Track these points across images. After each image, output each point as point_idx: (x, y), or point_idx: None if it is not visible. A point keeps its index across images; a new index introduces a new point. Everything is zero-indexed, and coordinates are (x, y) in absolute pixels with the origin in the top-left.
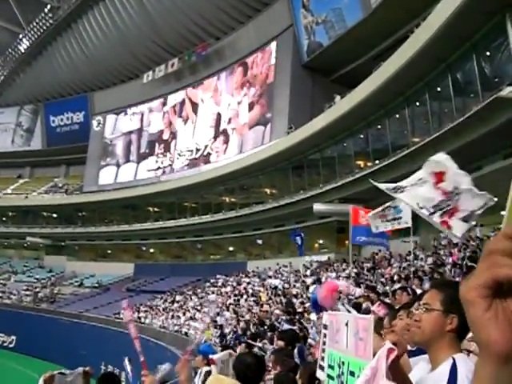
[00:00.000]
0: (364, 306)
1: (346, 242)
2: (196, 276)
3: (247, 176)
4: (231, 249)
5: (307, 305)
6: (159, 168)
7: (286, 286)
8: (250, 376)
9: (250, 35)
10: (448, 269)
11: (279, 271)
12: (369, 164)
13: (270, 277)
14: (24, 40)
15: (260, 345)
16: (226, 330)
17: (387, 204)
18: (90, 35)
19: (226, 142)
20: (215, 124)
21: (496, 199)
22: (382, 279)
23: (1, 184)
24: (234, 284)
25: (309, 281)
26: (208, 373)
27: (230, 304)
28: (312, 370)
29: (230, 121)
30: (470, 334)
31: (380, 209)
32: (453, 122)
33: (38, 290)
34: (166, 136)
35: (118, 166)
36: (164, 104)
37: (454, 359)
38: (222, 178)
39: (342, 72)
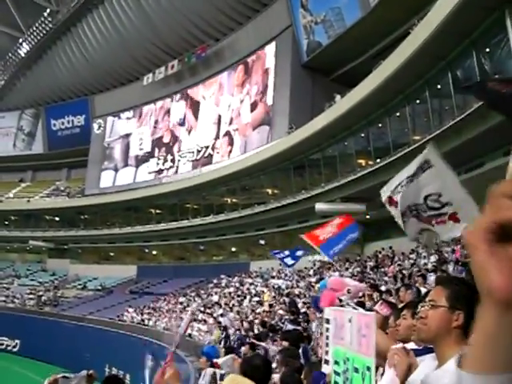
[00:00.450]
0: (367, 304)
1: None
2: (199, 277)
3: (249, 176)
4: (234, 249)
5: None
6: (161, 170)
7: (289, 284)
8: (258, 378)
9: (249, 36)
10: (451, 266)
11: (282, 271)
12: (370, 163)
13: (273, 277)
14: (24, 44)
15: (264, 345)
16: (230, 331)
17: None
18: (89, 38)
19: (231, 144)
20: (217, 125)
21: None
22: (386, 277)
23: (3, 188)
24: (237, 285)
25: (312, 280)
26: (213, 374)
27: (234, 305)
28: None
29: (231, 121)
30: None
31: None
32: (453, 120)
33: (41, 293)
34: (166, 139)
35: (116, 170)
36: (166, 110)
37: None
38: (223, 178)
39: (342, 71)
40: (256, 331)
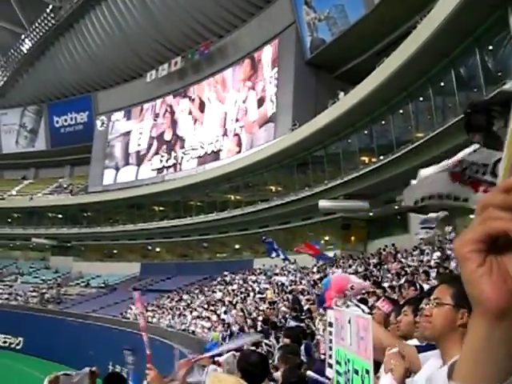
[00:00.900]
0: (370, 301)
1: (352, 238)
2: (202, 274)
3: (252, 174)
4: (237, 247)
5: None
6: (164, 167)
7: (293, 280)
8: (255, 374)
9: (253, 33)
10: (454, 263)
11: (285, 268)
12: (373, 160)
13: (277, 274)
14: (26, 41)
15: (267, 341)
16: (234, 328)
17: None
18: (92, 35)
19: (239, 145)
20: (223, 122)
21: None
22: (389, 275)
23: (5, 185)
24: (241, 282)
25: (315, 277)
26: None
27: (237, 302)
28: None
29: (238, 119)
30: None
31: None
32: (457, 117)
33: (44, 290)
34: (169, 136)
35: (118, 168)
36: (169, 107)
37: None
38: (226, 176)
39: (346, 68)
40: (259, 328)
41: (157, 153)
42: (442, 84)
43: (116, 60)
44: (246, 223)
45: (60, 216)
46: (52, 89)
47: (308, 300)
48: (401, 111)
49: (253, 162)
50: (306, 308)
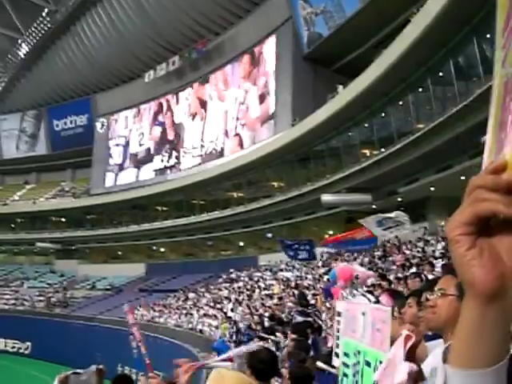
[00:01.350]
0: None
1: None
2: (208, 273)
3: (254, 170)
4: (241, 244)
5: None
6: (165, 167)
7: (298, 276)
8: (265, 370)
9: (250, 29)
10: None
11: (290, 263)
12: (374, 152)
13: (282, 270)
14: (23, 45)
15: (274, 338)
16: (241, 325)
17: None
18: (89, 37)
19: (241, 144)
20: (224, 121)
21: None
22: (394, 266)
23: (8, 191)
24: (246, 279)
25: (321, 271)
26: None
27: (243, 299)
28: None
29: (239, 117)
30: None
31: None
32: (456, 107)
33: (50, 295)
34: (170, 136)
35: (119, 170)
36: (169, 106)
37: None
38: (228, 173)
39: (344, 62)
40: (266, 324)
41: (158, 153)
42: (441, 74)
43: (114, 61)
44: (250, 220)
45: (63, 219)
46: (51, 92)
47: (314, 295)
48: (400, 103)
49: (254, 158)
50: (312, 303)
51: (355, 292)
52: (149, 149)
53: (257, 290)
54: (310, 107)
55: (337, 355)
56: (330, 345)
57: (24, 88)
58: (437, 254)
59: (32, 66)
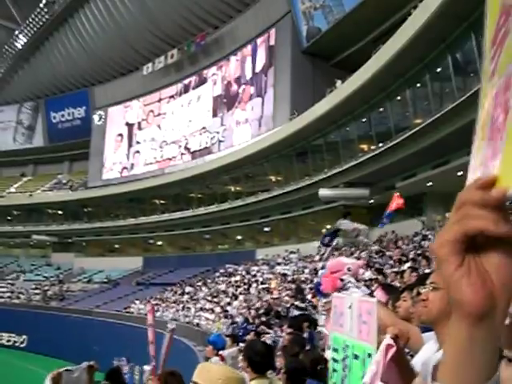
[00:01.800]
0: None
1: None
2: (205, 267)
3: (252, 164)
4: (239, 238)
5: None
6: (163, 160)
7: (295, 270)
8: (261, 363)
9: (249, 23)
10: None
11: (288, 258)
12: (372, 147)
13: (279, 264)
14: (20, 36)
15: (270, 331)
16: (237, 320)
17: None
18: (87, 29)
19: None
20: (222, 114)
21: None
22: (391, 261)
23: (4, 183)
24: (244, 273)
25: (318, 266)
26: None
27: (240, 293)
28: (314, 356)
29: (236, 110)
30: None
31: None
32: (454, 102)
33: (46, 288)
34: (167, 129)
35: (118, 161)
36: (167, 99)
37: None
38: (226, 167)
39: (342, 56)
40: (263, 319)
41: (155, 146)
42: (439, 70)
43: (112, 54)
44: (247, 214)
45: (60, 212)
46: (48, 84)
47: (311, 289)
48: (398, 98)
49: (252, 152)
50: (309, 297)
51: (349, 284)
52: (147, 141)
53: (254, 284)
54: (309, 101)
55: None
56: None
57: (21, 80)
58: None
59: (30, 57)
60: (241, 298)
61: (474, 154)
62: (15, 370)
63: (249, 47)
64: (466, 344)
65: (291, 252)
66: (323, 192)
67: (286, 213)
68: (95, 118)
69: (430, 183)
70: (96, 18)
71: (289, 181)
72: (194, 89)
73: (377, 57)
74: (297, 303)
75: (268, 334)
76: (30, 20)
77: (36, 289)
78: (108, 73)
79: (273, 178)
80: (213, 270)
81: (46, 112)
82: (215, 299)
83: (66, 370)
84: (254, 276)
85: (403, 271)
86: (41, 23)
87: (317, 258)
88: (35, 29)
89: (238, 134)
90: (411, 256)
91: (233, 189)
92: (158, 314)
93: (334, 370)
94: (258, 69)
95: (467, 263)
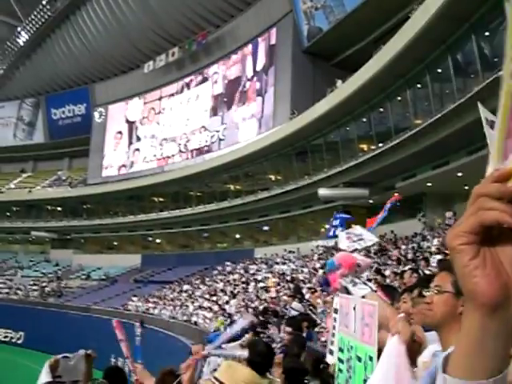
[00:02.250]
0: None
1: (353, 225)
2: (203, 265)
3: (251, 163)
4: (238, 236)
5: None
6: (163, 158)
7: (294, 269)
8: (262, 363)
9: (250, 22)
10: None
11: (286, 257)
12: (372, 147)
13: (278, 263)
14: (23, 33)
15: (270, 330)
16: (236, 318)
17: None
18: (89, 26)
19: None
20: (222, 113)
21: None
22: (390, 261)
23: (4, 179)
24: (242, 271)
25: (317, 265)
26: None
27: (239, 292)
28: (316, 356)
29: (236, 109)
30: None
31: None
32: (454, 103)
33: (44, 284)
34: (167, 127)
35: (119, 158)
36: (167, 97)
37: None
38: (226, 165)
39: (343, 56)
40: (261, 318)
41: (156, 143)
42: (439, 70)
43: (113, 51)
44: (247, 213)
45: (59, 209)
46: (49, 81)
47: (309, 288)
48: (399, 98)
49: (252, 151)
50: (307, 297)
51: (356, 280)
52: (147, 138)
53: (252, 283)
54: (309, 101)
55: (331, 352)
56: (323, 339)
57: (22, 76)
58: (433, 249)
59: (31, 54)
60: (239, 296)
61: (494, 147)
62: (11, 366)
63: (250, 46)
64: (478, 335)
65: (290, 251)
66: (323, 192)
67: (285, 212)
68: (96, 115)
69: (430, 184)
70: (98, 15)
71: (288, 180)
72: (194, 87)
73: (377, 57)
74: (293, 305)
75: (264, 333)
76: (32, 17)
77: (34, 285)
78: (109, 70)
79: (272, 177)
80: (211, 269)
81: (47, 108)
82: (213, 297)
83: (64, 357)
84: (253, 275)
85: (403, 272)
86: (43, 20)
87: (315, 257)
88: (37, 26)
89: (244, 130)
90: (410, 257)
91: (232, 187)
92: (155, 311)
93: (340, 370)
94: (258, 68)
95: (482, 254)
